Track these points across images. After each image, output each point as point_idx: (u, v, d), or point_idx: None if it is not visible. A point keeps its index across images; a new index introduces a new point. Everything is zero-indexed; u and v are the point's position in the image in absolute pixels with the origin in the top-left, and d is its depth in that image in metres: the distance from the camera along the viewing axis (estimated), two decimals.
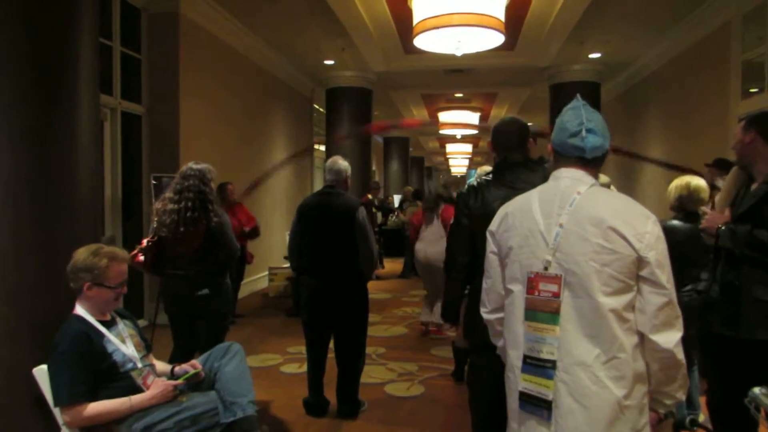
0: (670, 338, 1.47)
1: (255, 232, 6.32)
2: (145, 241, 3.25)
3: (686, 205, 3.18)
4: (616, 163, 10.36)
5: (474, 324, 2.25)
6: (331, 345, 3.62)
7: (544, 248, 1.56)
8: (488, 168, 3.78)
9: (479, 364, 2.36)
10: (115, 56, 5.61)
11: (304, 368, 3.78)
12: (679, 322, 1.49)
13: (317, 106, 11.46)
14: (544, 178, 1.75)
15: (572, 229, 1.53)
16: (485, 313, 1.82)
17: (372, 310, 3.73)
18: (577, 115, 1.64)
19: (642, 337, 1.49)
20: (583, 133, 1.61)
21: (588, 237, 1.50)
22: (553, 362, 1.49)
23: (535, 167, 2.34)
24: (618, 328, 1.47)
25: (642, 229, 1.49)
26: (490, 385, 2.22)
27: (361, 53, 8.45)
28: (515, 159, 2.34)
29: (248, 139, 8.06)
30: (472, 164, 25.39)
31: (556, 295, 1.51)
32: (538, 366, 1.52)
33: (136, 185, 5.99)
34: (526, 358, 1.55)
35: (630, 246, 1.47)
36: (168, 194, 3.18)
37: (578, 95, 1.74)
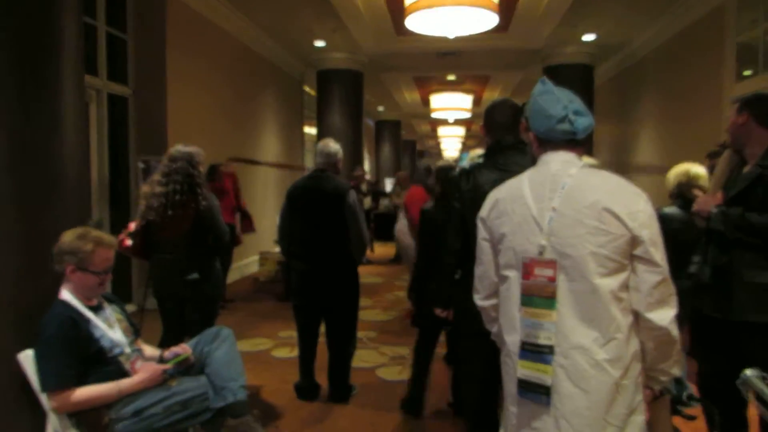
0: (665, 315, 1.48)
1: (245, 215, 6.32)
2: (132, 225, 3.23)
3: (685, 193, 3.18)
4: (611, 145, 10.38)
5: (464, 311, 2.25)
6: (323, 329, 3.63)
7: (538, 233, 1.56)
8: (480, 151, 3.76)
9: (471, 347, 2.37)
10: (100, 36, 5.51)
11: (296, 353, 3.79)
12: (674, 300, 1.50)
13: (307, 89, 11.37)
14: (534, 161, 1.74)
15: (566, 212, 1.53)
16: (478, 300, 1.81)
17: (363, 295, 3.73)
18: (555, 99, 1.63)
19: (636, 315, 1.51)
20: (571, 116, 1.60)
21: (582, 219, 1.50)
22: (551, 347, 1.50)
23: (527, 150, 2.33)
24: (615, 309, 1.48)
25: (635, 207, 1.49)
26: (482, 368, 2.23)
27: (352, 35, 8.37)
28: (508, 142, 2.33)
29: (237, 121, 7.99)
30: (465, 148, 25.37)
31: (552, 280, 1.52)
32: (536, 352, 1.52)
33: (123, 169, 5.94)
34: (523, 344, 1.55)
35: (624, 226, 1.47)
36: (156, 177, 3.14)
37: (543, 78, 1.73)
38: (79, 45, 2.75)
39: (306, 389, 3.66)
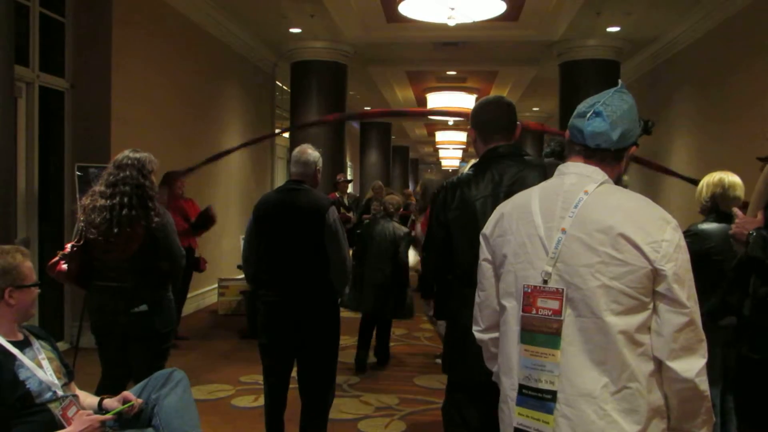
0: (691, 366, 1.49)
1: (205, 221, 6.28)
2: (68, 246, 3.23)
3: (721, 205, 3.27)
4: (639, 152, 10.52)
5: (455, 357, 2.29)
6: (294, 374, 3.63)
7: (544, 257, 1.57)
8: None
9: (461, 401, 2.37)
10: (32, 19, 5.55)
11: (261, 401, 3.78)
12: (703, 347, 1.51)
13: (280, 84, 11.45)
14: (543, 175, 1.78)
15: (576, 235, 1.53)
16: (478, 332, 1.83)
17: (344, 332, 3.75)
18: (601, 95, 1.66)
19: (659, 364, 1.51)
20: (589, 114, 1.62)
21: (594, 245, 1.51)
22: (554, 393, 1.50)
23: (531, 161, 2.37)
24: (629, 354, 1.48)
25: (659, 236, 1.49)
26: (476, 427, 2.26)
27: (334, 20, 8.48)
28: (504, 150, 2.33)
29: (196, 125, 8.03)
30: (466, 155, 25.57)
31: (557, 314, 1.52)
32: (536, 397, 1.53)
33: (57, 177, 5.94)
34: (521, 387, 1.56)
35: (644, 256, 1.47)
36: (98, 188, 3.15)
37: (620, 81, 1.75)
38: (10, 28, 2.79)
39: None
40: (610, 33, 9.03)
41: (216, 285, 8.13)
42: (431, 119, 15.93)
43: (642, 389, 1.48)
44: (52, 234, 5.74)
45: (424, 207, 5.91)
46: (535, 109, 16.43)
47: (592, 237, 1.51)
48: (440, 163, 29.22)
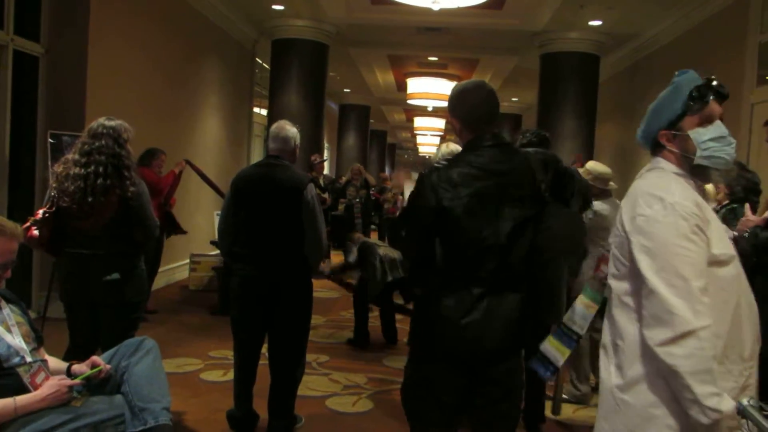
0: (655, 335, 1.58)
1: (171, 226, 6.30)
2: (40, 212, 3.21)
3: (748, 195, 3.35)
4: (616, 148, 10.66)
5: (431, 336, 2.29)
6: (264, 350, 3.66)
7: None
8: (454, 147, 3.84)
9: (427, 375, 2.35)
10: None
11: (230, 376, 3.80)
12: (676, 320, 1.54)
13: (260, 61, 11.36)
14: (528, 163, 1.92)
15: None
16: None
17: (314, 312, 3.78)
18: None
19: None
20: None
21: (617, 220, 1.80)
22: (579, 336, 1.96)
23: (518, 149, 2.38)
24: (620, 314, 1.75)
25: (638, 210, 1.69)
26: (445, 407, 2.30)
27: None
28: (493, 139, 2.30)
29: (173, 98, 7.94)
30: (445, 142, 25.66)
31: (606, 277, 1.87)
32: (566, 335, 2.01)
33: (28, 144, 5.85)
34: (560, 323, 2.05)
35: (623, 227, 1.73)
36: (72, 156, 3.14)
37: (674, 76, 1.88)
38: None
39: (241, 419, 3.69)
40: (592, 27, 9.11)
41: (188, 260, 8.09)
42: (410, 104, 15.90)
43: (626, 349, 1.71)
44: (21, 201, 5.66)
45: None
46: (514, 99, 16.51)
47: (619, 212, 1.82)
48: (417, 149, 29.27)
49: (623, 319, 1.72)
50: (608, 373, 1.75)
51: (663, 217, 1.62)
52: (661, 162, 1.82)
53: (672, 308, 1.56)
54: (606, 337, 1.79)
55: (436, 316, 2.22)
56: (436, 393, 2.29)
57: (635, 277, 1.67)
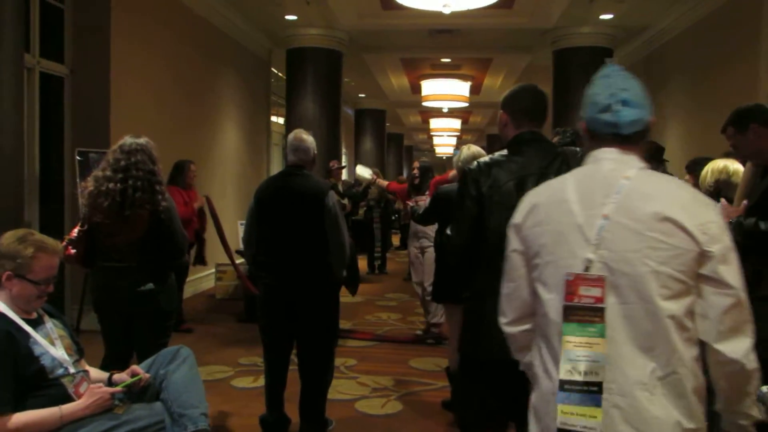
0: (739, 347, 1.50)
1: (199, 252, 6.46)
2: (75, 231, 3.31)
3: (724, 191, 3.38)
4: None
5: (477, 338, 2.31)
6: (294, 356, 3.72)
7: (584, 245, 1.55)
8: (476, 149, 3.91)
9: (477, 381, 2.39)
10: (33, 6, 5.57)
11: (260, 382, 3.87)
12: (749, 328, 1.51)
13: (276, 70, 11.48)
14: (567, 162, 1.82)
15: (622, 221, 1.53)
16: (506, 325, 1.80)
17: (341, 317, 3.84)
18: (607, 84, 1.66)
19: (702, 348, 1.52)
20: (616, 106, 1.62)
21: (642, 231, 1.50)
22: (600, 384, 1.48)
23: (552, 149, 2.44)
24: (678, 338, 1.49)
25: (705, 218, 1.51)
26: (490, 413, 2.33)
27: (329, 7, 8.51)
28: (534, 135, 2.42)
29: (193, 111, 8.07)
30: (461, 143, 25.61)
31: (599, 301, 1.51)
32: (582, 392, 1.50)
33: (57, 161, 6.00)
34: (563, 384, 1.52)
35: (692, 239, 1.48)
36: (103, 173, 3.21)
37: (607, 59, 1.81)
38: (20, 13, 2.79)
39: (273, 423, 3.75)
40: (603, 20, 9.09)
41: (214, 270, 8.21)
42: (425, 106, 15.93)
43: (689, 374, 1.50)
44: (52, 217, 5.79)
45: (420, 187, 5.95)
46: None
47: (639, 222, 1.51)
48: (434, 150, 29.24)
49: (681, 344, 1.49)
50: (664, 408, 1.46)
51: (723, 222, 1.54)
52: (641, 161, 1.65)
53: (748, 316, 1.53)
54: (646, 369, 1.48)
55: (481, 318, 2.23)
56: (487, 399, 2.32)
57: (690, 294, 1.51)
